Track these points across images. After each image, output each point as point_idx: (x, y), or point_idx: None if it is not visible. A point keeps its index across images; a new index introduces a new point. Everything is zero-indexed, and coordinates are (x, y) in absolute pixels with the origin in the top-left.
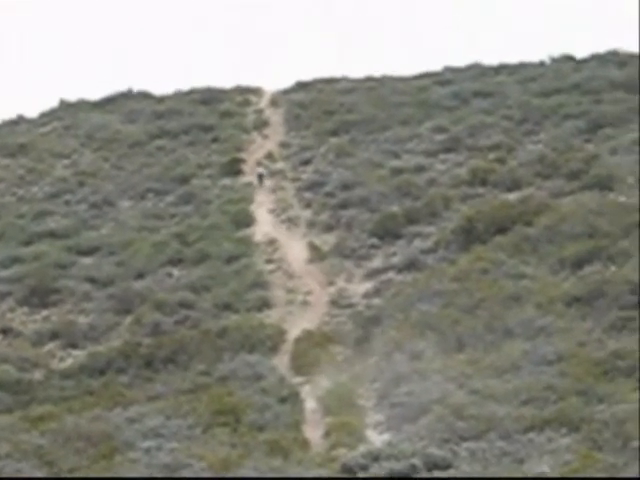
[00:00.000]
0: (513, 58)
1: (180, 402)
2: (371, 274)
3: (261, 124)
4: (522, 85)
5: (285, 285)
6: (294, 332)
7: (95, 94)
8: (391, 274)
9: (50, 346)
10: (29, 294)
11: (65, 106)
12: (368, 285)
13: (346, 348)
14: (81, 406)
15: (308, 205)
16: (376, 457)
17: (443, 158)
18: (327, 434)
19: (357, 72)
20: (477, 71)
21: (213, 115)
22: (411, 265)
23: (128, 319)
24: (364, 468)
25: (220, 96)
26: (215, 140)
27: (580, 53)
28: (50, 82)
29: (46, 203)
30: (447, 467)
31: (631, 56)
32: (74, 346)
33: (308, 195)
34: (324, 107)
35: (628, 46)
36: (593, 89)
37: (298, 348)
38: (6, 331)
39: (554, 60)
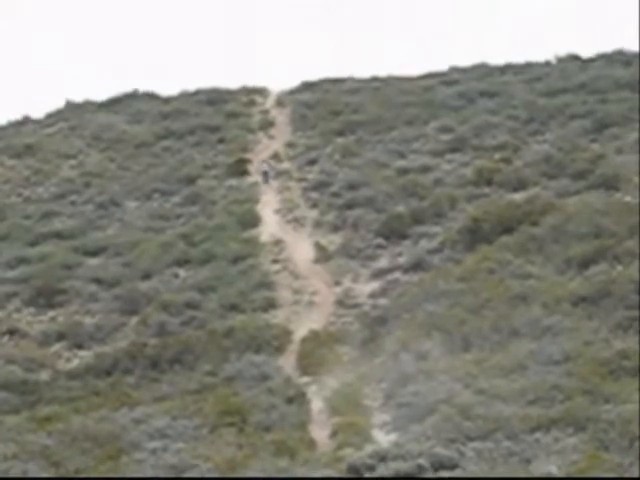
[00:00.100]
0: (519, 58)
1: (186, 403)
2: (377, 274)
3: (267, 124)
4: (528, 85)
5: (291, 285)
6: (300, 332)
7: (101, 95)
8: (397, 274)
9: (56, 347)
10: (35, 295)
11: (71, 107)
12: (374, 285)
13: (352, 348)
14: (87, 407)
15: (314, 205)
16: (383, 457)
17: (449, 158)
18: (333, 434)
19: (363, 72)
20: (483, 71)
21: (219, 116)
22: (417, 265)
23: (134, 319)
24: (370, 468)
25: (226, 97)
26: (221, 140)
27: (586, 53)
28: (56, 83)
29: (52, 204)
30: (454, 467)
31: (637, 56)
32: (80, 347)
33: (314, 195)
34: (330, 107)
35: (634, 46)
36: (599, 89)
37: (304, 348)
38: (12, 332)
39: (560, 60)
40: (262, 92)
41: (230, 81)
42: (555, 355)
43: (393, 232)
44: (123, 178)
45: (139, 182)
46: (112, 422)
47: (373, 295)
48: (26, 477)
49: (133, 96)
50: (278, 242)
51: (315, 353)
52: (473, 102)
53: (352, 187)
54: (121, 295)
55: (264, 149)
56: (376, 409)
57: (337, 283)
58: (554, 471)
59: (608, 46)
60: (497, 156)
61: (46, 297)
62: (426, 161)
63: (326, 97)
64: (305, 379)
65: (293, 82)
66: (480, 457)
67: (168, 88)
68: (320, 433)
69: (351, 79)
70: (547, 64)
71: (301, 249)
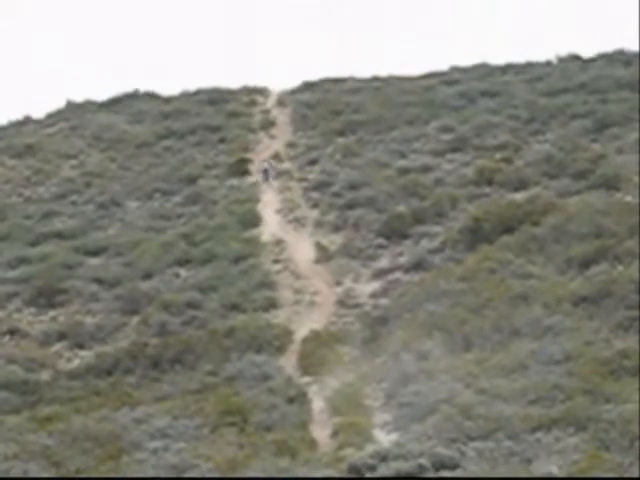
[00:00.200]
0: (520, 58)
1: (187, 402)
2: (378, 274)
3: (268, 124)
4: (529, 85)
5: (292, 285)
6: (301, 332)
7: (102, 95)
8: (398, 274)
9: (57, 347)
10: (36, 295)
11: (72, 107)
12: (375, 285)
13: (353, 348)
14: (88, 406)
15: (315, 205)
16: (384, 457)
17: (450, 158)
18: (334, 434)
19: (363, 72)
20: (484, 71)
21: (220, 115)
22: (418, 265)
23: (135, 319)
24: (371, 468)
25: (227, 96)
26: (222, 140)
27: (587, 53)
28: (57, 83)
29: (53, 204)
30: (455, 467)
31: (638, 55)
32: (81, 347)
33: (315, 195)
34: (331, 107)
35: (635, 45)
36: (600, 89)
37: (305, 348)
38: (13, 332)
39: (561, 60)
40: (263, 92)
41: (231, 81)
42: (556, 355)
43: (394, 232)
44: (124, 178)
45: (140, 182)
46: (113, 422)
47: (374, 295)
48: (27, 477)
49: (134, 96)
50: (279, 242)
51: (316, 353)
52: (474, 102)
53: (353, 187)
54: (122, 295)
55: (265, 149)
56: (377, 409)
57: (338, 283)
58: (555, 471)
59: (609, 46)
60: (498, 156)
61: (47, 297)
62: (427, 161)
63: (327, 97)
64: (306, 379)
65: (294, 82)
66: (481, 457)
67: (169, 88)
68: (321, 433)
69: (352, 79)
70: (548, 64)
71: (302, 249)
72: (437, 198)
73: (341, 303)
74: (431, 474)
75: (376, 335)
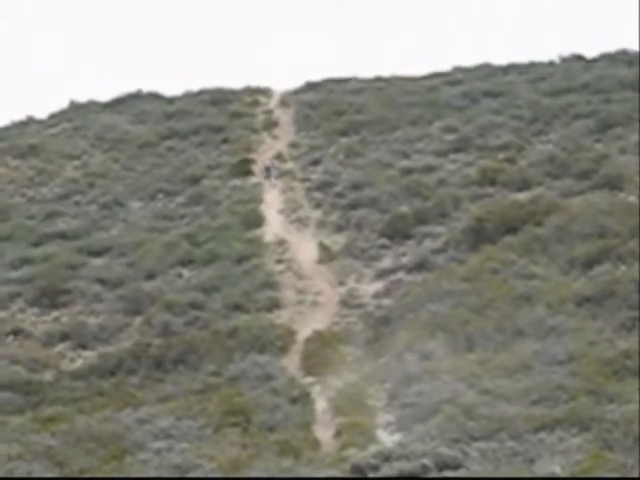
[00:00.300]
0: (523, 58)
1: (190, 403)
2: (381, 274)
3: (271, 124)
4: (532, 85)
5: (295, 285)
6: (304, 332)
7: (105, 95)
8: (401, 274)
9: (60, 347)
10: (39, 295)
11: (75, 107)
12: (378, 285)
13: (356, 348)
14: (91, 407)
15: (318, 205)
16: (387, 457)
17: (453, 158)
18: (337, 434)
19: (366, 72)
20: (487, 71)
21: (223, 116)
22: (421, 265)
23: (138, 320)
24: (374, 468)
25: (230, 97)
26: (225, 141)
27: (590, 53)
28: (60, 83)
29: (56, 204)
30: (458, 467)
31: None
32: (84, 347)
33: (318, 195)
34: (333, 107)
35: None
36: (603, 89)
37: (308, 348)
38: (16, 332)
39: (564, 60)
40: (266, 92)
41: (234, 81)
42: (559, 355)
43: (397, 232)
44: (127, 178)
45: (143, 182)
46: (116, 422)
47: (377, 295)
48: (30, 477)
49: (137, 96)
50: (282, 242)
51: (319, 353)
52: (477, 102)
53: (356, 187)
54: (125, 295)
55: (268, 149)
56: (380, 409)
57: (341, 283)
58: (558, 471)
59: (611, 46)
60: (501, 156)
61: (50, 297)
62: (430, 161)
63: (330, 97)
64: (309, 379)
65: (297, 82)
66: (484, 457)
67: (172, 88)
68: (324, 433)
69: (355, 79)
70: (551, 64)
71: (305, 249)
72: (440, 198)
73: (344, 303)
74: (434, 474)
75: (379, 335)
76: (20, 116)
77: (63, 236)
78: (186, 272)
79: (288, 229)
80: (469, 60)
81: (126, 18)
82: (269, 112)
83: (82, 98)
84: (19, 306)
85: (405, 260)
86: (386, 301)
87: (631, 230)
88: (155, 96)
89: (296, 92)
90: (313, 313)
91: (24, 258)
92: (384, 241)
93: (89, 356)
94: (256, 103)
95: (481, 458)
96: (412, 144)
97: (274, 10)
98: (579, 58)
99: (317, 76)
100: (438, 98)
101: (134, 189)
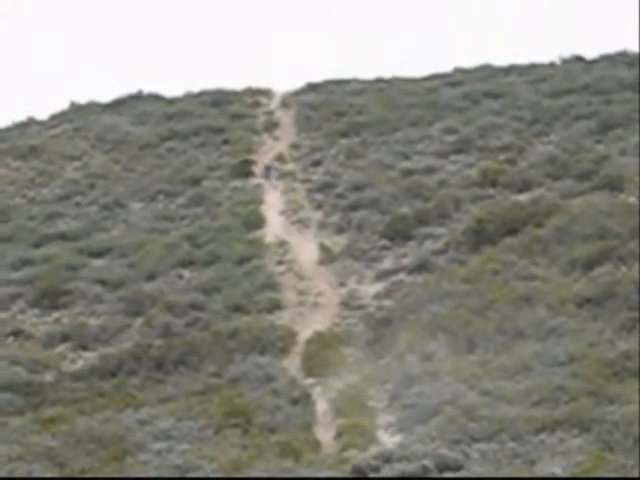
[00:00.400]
0: (523, 59)
1: (191, 404)
2: (382, 275)
3: (271, 126)
4: (532, 86)
5: (296, 286)
6: (305, 333)
7: (105, 96)
8: (402, 275)
9: (61, 348)
10: (40, 296)
11: (75, 108)
12: (379, 286)
13: (357, 349)
14: (92, 408)
15: (319, 206)
16: (387, 458)
17: (453, 159)
18: (338, 435)
19: (367, 73)
20: (487, 72)
21: (223, 117)
22: (422, 266)
23: (139, 321)
24: (375, 469)
25: (230, 98)
26: (225, 142)
27: (590, 54)
28: (60, 84)
29: (57, 205)
30: (459, 468)
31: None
32: (85, 348)
33: (319, 196)
34: (334, 108)
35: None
36: (603, 90)
37: (309, 349)
38: (17, 333)
39: (564, 61)
40: (266, 93)
41: (234, 82)
42: (560, 356)
43: (398, 233)
44: (127, 179)
45: (144, 183)
46: (117, 423)
47: (378, 296)
48: (31, 478)
49: (137, 97)
50: (283, 243)
51: (320, 354)
52: (477, 103)
53: (357, 188)
54: (126, 296)
55: (269, 150)
56: (381, 410)
57: (342, 284)
58: (559, 472)
59: (612, 47)
60: (502, 157)
61: (51, 298)
62: (431, 162)
63: (330, 98)
64: (310, 380)
65: (297, 83)
66: (485, 458)
67: (172, 89)
68: (325, 434)
69: (355, 80)
70: (551, 65)
71: (306, 250)
72: (441, 199)
73: (345, 304)
74: (435, 475)
75: (380, 336)
76: (21, 117)
77: (64, 237)
78: (187, 273)
79: (289, 230)
80: (470, 61)
81: (126, 19)
82: (270, 113)
83: (83, 99)
84: (20, 307)
85: (406, 261)
86: (387, 302)
87: (632, 231)
88: (156, 97)
89: (297, 93)
90: (314, 314)
91: (25, 259)
92: (385, 242)
93: (90, 357)
94: (257, 104)
95: (482, 459)
96: (413, 145)
97: (274, 11)
98: (579, 59)
99: (318, 77)
100: (439, 99)
101: (135, 190)
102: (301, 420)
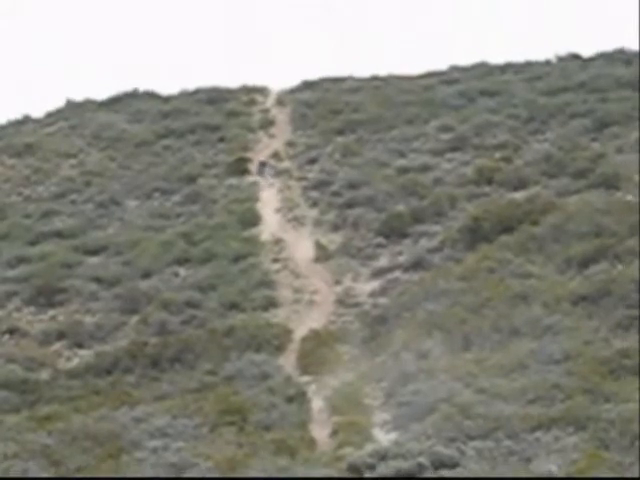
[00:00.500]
0: (519, 57)
1: (187, 401)
2: (377, 273)
3: (267, 123)
4: (528, 84)
5: (291, 284)
6: (300, 331)
7: (101, 94)
8: (397, 273)
9: (57, 346)
10: (35, 294)
11: (71, 106)
12: (374, 284)
13: (353, 347)
14: (88, 406)
15: (314, 204)
16: (383, 456)
17: (449, 157)
18: (334, 433)
19: (363, 71)
20: (483, 70)
21: (219, 115)
22: (417, 264)
23: (134, 319)
24: (371, 467)
25: (226, 96)
26: (221, 139)
27: (586, 52)
28: (56, 82)
29: (52, 203)
30: (454, 466)
31: (638, 55)
32: (80, 346)
33: (314, 194)
34: (330, 106)
35: (635, 44)
36: (600, 88)
37: (305, 347)
38: (13, 331)
39: (560, 59)
40: (262, 91)
41: (230, 80)
42: (555, 354)
43: (393, 231)
44: (123, 177)
45: (139, 181)
46: (112, 421)
47: (373, 294)
48: (26, 477)
49: (133, 95)
50: (278, 241)
51: (315, 352)
52: (473, 101)
53: (352, 186)
54: (121, 294)
55: (264, 148)
56: (376, 408)
57: (337, 282)
58: (554, 470)
59: (608, 45)
60: (497, 155)
61: (46, 296)
62: (426, 160)
63: (326, 96)
64: (305, 378)
65: (293, 81)
66: (480, 456)
67: (168, 87)
68: (320, 432)
69: (351, 78)
70: (547, 63)
71: (301, 248)
72: (436, 197)
73: (340, 302)
74: (430, 473)
75: (375, 334)
76: (17, 115)
77: (59, 235)
78: (182, 271)
79: (284, 228)
80: (465, 59)
81: (122, 17)
82: (265, 111)
83: (79, 97)
84: (15, 305)
85: (401, 259)
86: (382, 300)
87: (628, 229)
88: (151, 95)
89: (293, 91)
90: (309, 312)
91: (20, 257)
92: (380, 240)
93: (85, 355)
94: (252, 102)
95: (477, 457)
96: (408, 143)
97: (270, 9)
98: (576, 57)
99: (314, 75)
100: (434, 97)
101: (130, 188)
102: (297, 418)
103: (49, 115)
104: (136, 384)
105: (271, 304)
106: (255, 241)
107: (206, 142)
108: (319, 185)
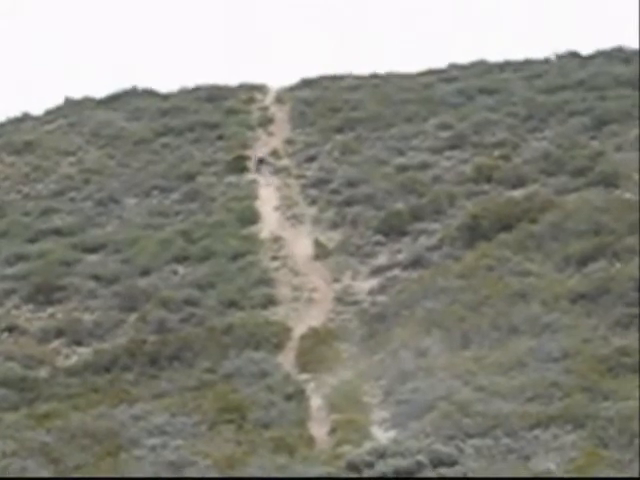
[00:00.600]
0: (518, 55)
1: (185, 399)
2: (376, 271)
3: (266, 121)
4: (527, 82)
5: (290, 282)
6: (299, 329)
7: (100, 92)
8: (396, 271)
9: (55, 344)
10: (34, 292)
11: (70, 104)
12: (373, 282)
13: (351, 345)
14: (86, 403)
15: (313, 202)
16: (381, 454)
17: (448, 155)
18: (332, 431)
19: (362, 69)
20: (482, 68)
21: (218, 112)
22: (416, 262)
23: (133, 316)
24: (369, 465)
25: (225, 93)
26: (220, 137)
27: (585, 50)
28: (55, 80)
29: (51, 200)
30: (453, 464)
31: (637, 53)
32: (79, 343)
33: (313, 192)
34: (329, 104)
35: (634, 43)
36: (598, 86)
37: (303, 345)
38: (11, 329)
39: (559, 57)
40: (261, 89)
41: (229, 78)
42: (554, 352)
43: (392, 229)
44: (122, 175)
45: (138, 179)
46: (111, 419)
47: (372, 292)
48: (25, 476)
49: (132, 93)
50: (277, 239)
51: (314, 350)
52: (472, 99)
53: (351, 184)
54: (120, 292)
55: (263, 146)
56: (375, 406)
57: (336, 280)
58: (553, 468)
59: (607, 43)
60: (496, 153)
61: (45, 294)
62: (425, 158)
63: (325, 94)
64: (304, 376)
65: (292, 79)
66: (479, 454)
67: (167, 85)
68: (319, 430)
69: (350, 76)
70: (546, 61)
71: (300, 246)
72: (435, 195)
73: (339, 300)
74: (429, 471)
75: (374, 332)
76: (16, 112)
77: (58, 232)
78: (181, 269)
79: (283, 226)
80: (464, 57)
81: (121, 15)
82: (264, 109)
83: (78, 95)
84: (14, 302)
85: (400, 257)
86: (381, 298)
87: (627, 227)
88: (150, 93)
89: (292, 89)
90: (308, 310)
91: (19, 254)
92: (379, 238)
93: (84, 353)
94: (251, 100)
95: (476, 455)
96: (407, 141)
97: (269, 7)
98: (574, 55)
99: (313, 73)
100: (433, 95)
101: (129, 186)
102: (295, 416)
103: (48, 113)
104: (135, 382)
105: (270, 302)
106: (254, 239)
107: (205, 140)
108: (318, 183)
